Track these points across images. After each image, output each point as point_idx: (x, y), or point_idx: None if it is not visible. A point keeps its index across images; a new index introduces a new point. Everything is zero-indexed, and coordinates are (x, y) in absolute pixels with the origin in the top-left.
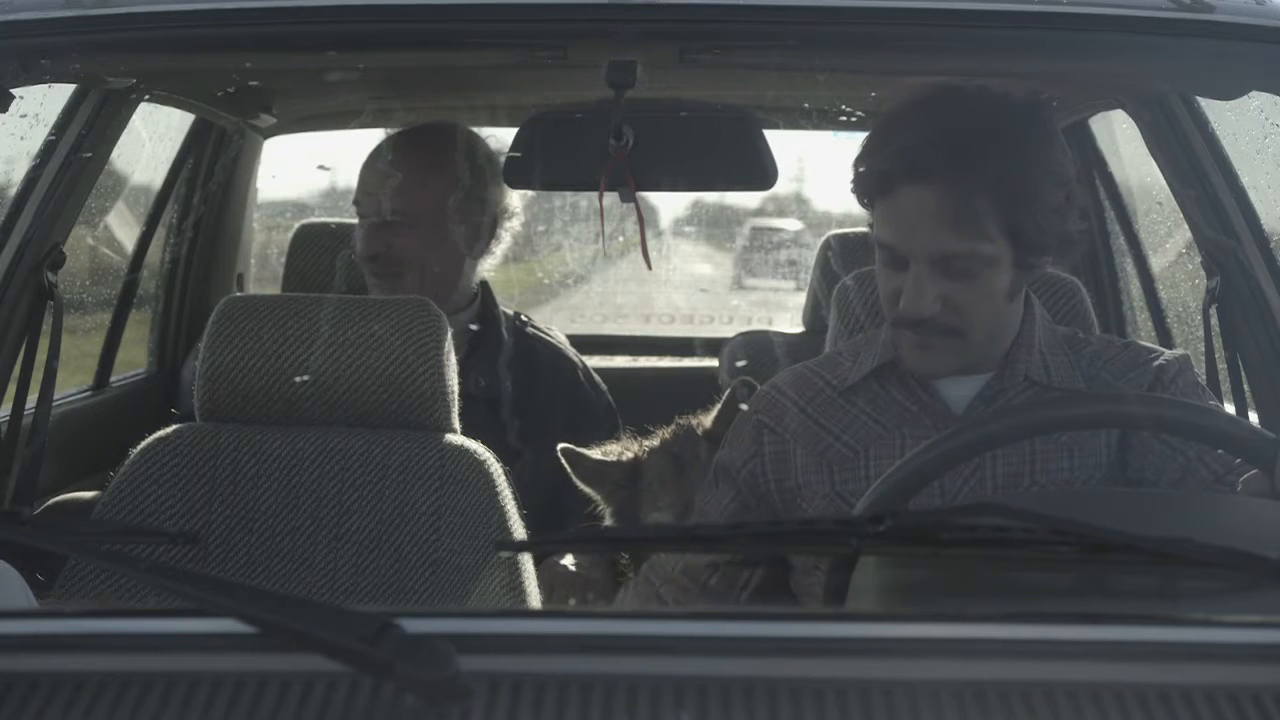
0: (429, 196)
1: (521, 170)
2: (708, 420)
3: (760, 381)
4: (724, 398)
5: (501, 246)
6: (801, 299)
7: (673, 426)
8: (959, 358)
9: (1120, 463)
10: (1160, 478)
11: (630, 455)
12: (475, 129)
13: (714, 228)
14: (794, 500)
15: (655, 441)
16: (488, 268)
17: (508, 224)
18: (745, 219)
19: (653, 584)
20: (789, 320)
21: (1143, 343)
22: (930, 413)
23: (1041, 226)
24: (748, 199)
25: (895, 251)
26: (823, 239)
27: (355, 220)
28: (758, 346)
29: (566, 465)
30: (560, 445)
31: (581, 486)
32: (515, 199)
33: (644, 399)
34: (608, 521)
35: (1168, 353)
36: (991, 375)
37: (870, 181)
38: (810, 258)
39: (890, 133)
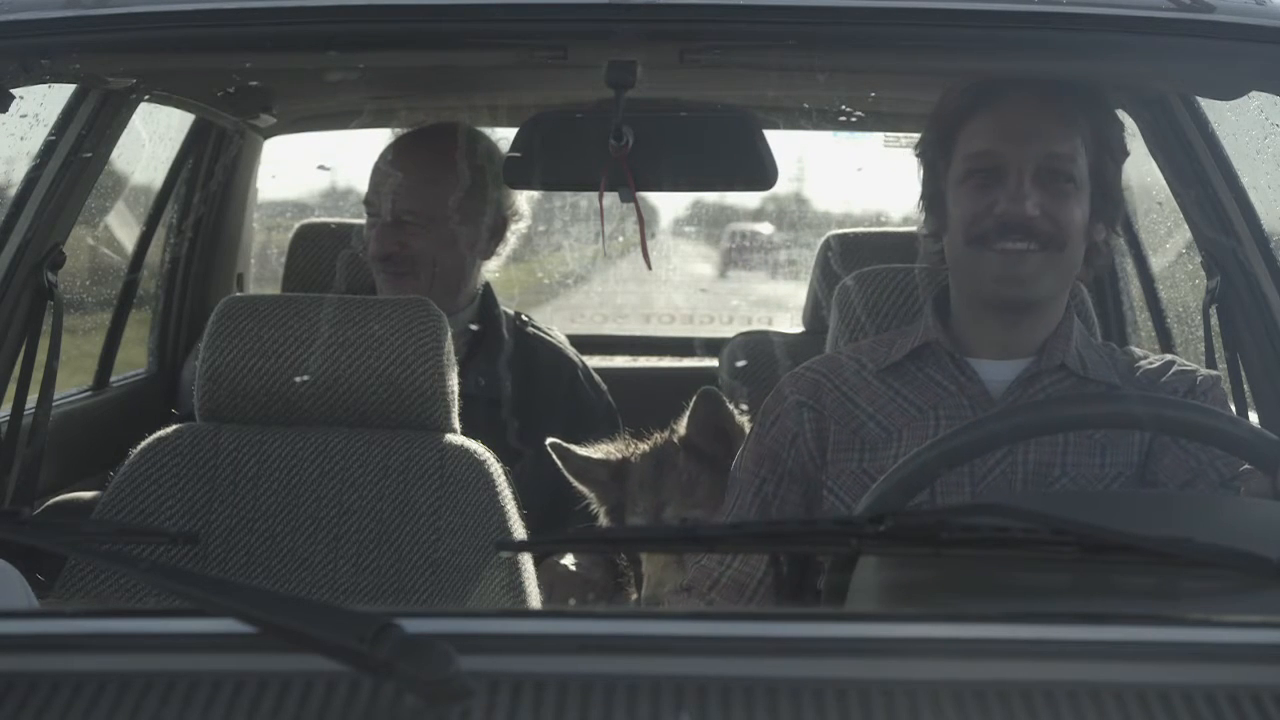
0: (442, 197)
1: (521, 170)
2: (681, 427)
3: (755, 383)
4: (690, 409)
5: (507, 248)
6: (773, 289)
7: (666, 431)
8: (1049, 280)
9: (1145, 463)
10: (1171, 480)
11: (619, 456)
12: (486, 131)
13: (714, 227)
14: (824, 477)
15: (646, 445)
16: (492, 268)
17: (515, 226)
18: (732, 220)
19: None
20: (789, 320)
21: (1176, 358)
22: (968, 394)
23: (1110, 179)
24: (748, 198)
25: (994, 157)
26: (822, 239)
27: (355, 220)
28: (758, 346)
29: (556, 460)
30: (549, 440)
31: (573, 482)
32: (523, 201)
33: (644, 399)
34: (603, 522)
35: (1202, 370)
36: (1030, 360)
37: (965, 100)
38: (779, 256)
39: (973, 78)
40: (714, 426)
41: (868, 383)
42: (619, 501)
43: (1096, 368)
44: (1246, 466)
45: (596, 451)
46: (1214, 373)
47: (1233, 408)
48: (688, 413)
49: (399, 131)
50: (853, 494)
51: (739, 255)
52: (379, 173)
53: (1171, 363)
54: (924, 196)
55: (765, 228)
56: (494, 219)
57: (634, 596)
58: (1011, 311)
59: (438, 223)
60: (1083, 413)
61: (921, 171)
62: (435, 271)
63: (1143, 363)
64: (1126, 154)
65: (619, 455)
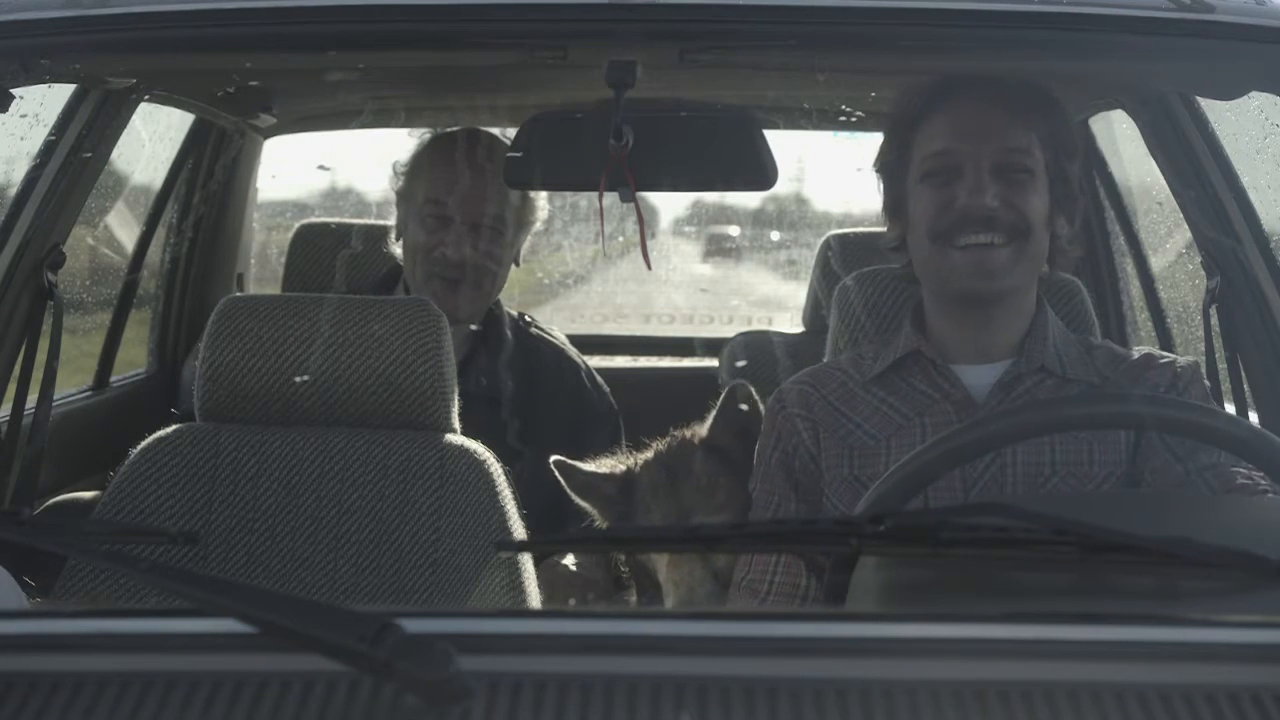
0: (510, 204)
1: (521, 170)
2: (703, 429)
3: (754, 383)
4: (719, 405)
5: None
6: (740, 276)
7: (666, 438)
8: (1016, 271)
9: (1132, 462)
10: (1157, 480)
11: (623, 468)
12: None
13: (714, 227)
14: (822, 485)
15: (649, 453)
16: None
17: (534, 230)
18: (714, 222)
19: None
20: (789, 320)
21: (1152, 349)
22: (952, 400)
23: (1067, 174)
24: (742, 199)
25: (951, 156)
26: (822, 239)
27: (355, 220)
28: (758, 346)
29: (560, 477)
30: (553, 458)
31: (576, 500)
32: (544, 206)
33: (644, 399)
34: None
35: (1180, 359)
36: (1010, 362)
37: (919, 104)
38: (747, 255)
39: (930, 78)
40: (742, 422)
41: (854, 394)
42: (624, 514)
43: (1075, 366)
44: (1240, 482)
45: (601, 466)
46: (1191, 359)
47: (1231, 406)
48: (715, 410)
49: (423, 133)
50: (846, 501)
51: (714, 254)
52: (453, 171)
53: (1151, 356)
54: (886, 207)
55: (734, 230)
56: (528, 226)
57: (632, 599)
58: (981, 306)
59: (506, 229)
60: (1088, 413)
61: (881, 182)
62: (496, 278)
63: (1121, 359)
64: (1079, 150)
65: (623, 468)
